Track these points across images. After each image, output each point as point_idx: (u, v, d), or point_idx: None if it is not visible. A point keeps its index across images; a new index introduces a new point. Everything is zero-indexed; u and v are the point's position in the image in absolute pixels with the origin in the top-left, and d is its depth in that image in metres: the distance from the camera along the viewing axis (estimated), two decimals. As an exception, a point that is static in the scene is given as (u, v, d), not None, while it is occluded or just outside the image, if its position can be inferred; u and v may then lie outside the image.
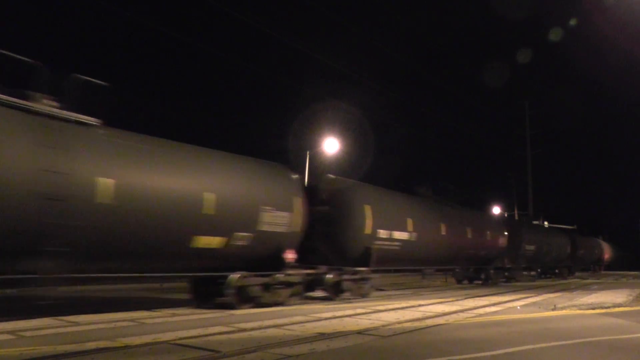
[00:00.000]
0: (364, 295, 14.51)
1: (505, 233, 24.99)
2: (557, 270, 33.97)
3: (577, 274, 37.13)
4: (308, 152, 26.20)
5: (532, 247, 28.18)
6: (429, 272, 26.51)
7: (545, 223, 37.82)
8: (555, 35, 41.24)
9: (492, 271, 23.78)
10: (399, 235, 16.05)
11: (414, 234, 16.73)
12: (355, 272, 14.38)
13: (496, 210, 42.96)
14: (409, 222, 16.66)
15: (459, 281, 24.62)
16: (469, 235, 21.13)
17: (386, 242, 15.45)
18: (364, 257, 14.53)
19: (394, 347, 6.87)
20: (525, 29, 77.83)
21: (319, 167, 24.85)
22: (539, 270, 31.22)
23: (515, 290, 18.92)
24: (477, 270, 23.81)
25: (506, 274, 25.13)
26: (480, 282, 23.72)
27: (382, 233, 15.21)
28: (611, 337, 7.92)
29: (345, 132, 28.80)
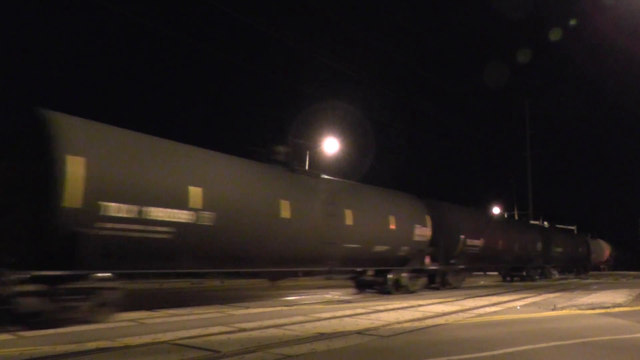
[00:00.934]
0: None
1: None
2: (524, 273, 27.91)
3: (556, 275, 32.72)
4: (308, 152, 26.22)
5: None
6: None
7: (545, 223, 37.80)
8: (555, 35, 41.29)
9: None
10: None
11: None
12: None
13: (496, 210, 43.04)
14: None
15: None
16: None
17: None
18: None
19: (394, 347, 6.87)
20: (525, 29, 77.92)
21: (319, 166, 24.84)
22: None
23: (515, 290, 18.94)
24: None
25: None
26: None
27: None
28: (611, 337, 7.92)
29: (345, 132, 28.83)
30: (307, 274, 17.26)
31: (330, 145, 26.29)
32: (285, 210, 12.11)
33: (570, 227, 46.65)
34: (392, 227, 15.81)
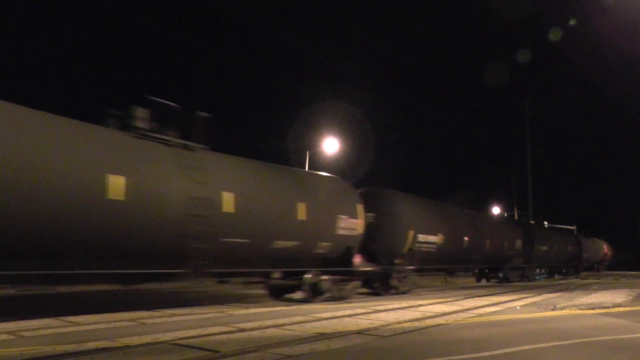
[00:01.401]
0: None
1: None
2: (500, 274, 25.78)
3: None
4: (308, 152, 26.23)
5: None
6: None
7: (545, 223, 37.80)
8: (555, 35, 41.29)
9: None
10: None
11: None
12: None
13: (496, 210, 43.03)
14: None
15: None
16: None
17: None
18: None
19: (394, 347, 6.86)
20: (525, 29, 77.89)
21: (319, 166, 24.86)
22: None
23: (515, 290, 18.93)
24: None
25: None
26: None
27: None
28: (611, 337, 7.92)
29: (345, 132, 28.81)
30: (162, 278, 11.98)
31: (330, 145, 26.29)
32: (115, 191, 8.98)
33: (570, 227, 46.65)
34: (302, 217, 12.63)
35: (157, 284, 15.30)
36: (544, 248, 30.23)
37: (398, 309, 11.43)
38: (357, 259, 14.56)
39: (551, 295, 17.09)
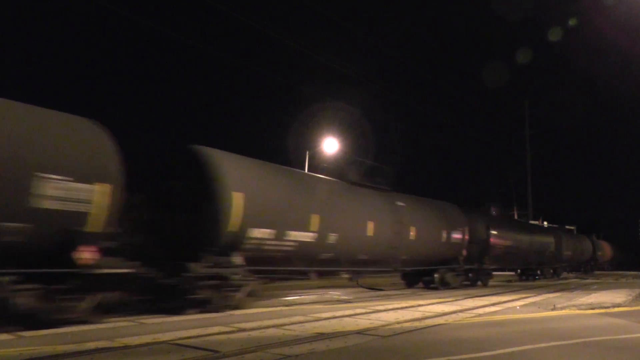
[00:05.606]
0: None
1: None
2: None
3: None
4: (307, 152, 26.25)
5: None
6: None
7: (545, 223, 37.86)
8: (555, 35, 41.32)
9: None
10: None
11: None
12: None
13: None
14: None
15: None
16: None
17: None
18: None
19: (394, 347, 6.87)
20: (525, 29, 77.94)
21: (319, 166, 24.86)
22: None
23: (514, 290, 18.93)
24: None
25: None
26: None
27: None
28: (611, 337, 7.93)
29: (344, 132, 28.83)
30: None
31: (330, 145, 26.31)
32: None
33: (569, 227, 46.68)
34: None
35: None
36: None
37: (398, 309, 11.43)
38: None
39: (551, 295, 17.09)
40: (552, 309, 12.12)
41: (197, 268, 10.11)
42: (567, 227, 45.38)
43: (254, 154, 12.64)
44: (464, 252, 19.79)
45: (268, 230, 11.40)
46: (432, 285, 18.42)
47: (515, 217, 41.31)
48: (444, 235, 18.54)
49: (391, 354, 6.49)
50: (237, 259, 10.80)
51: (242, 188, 10.83)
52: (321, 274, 14.75)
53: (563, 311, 11.80)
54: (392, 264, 16.28)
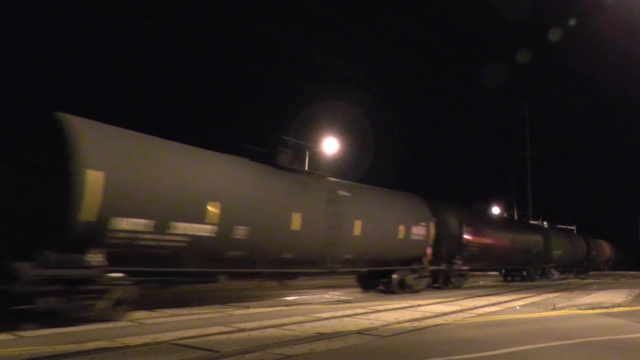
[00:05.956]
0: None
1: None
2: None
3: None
4: (307, 152, 26.19)
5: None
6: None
7: (545, 223, 37.82)
8: (555, 35, 41.34)
9: None
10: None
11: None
12: None
13: (496, 210, 43.04)
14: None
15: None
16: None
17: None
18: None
19: (394, 347, 6.87)
20: (525, 29, 77.93)
21: (318, 166, 24.82)
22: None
23: (514, 290, 18.92)
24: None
25: None
26: None
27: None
28: (611, 337, 7.93)
29: (344, 132, 28.79)
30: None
31: (330, 145, 26.26)
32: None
33: (570, 227, 46.65)
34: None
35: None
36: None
37: (398, 309, 11.43)
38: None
39: (551, 295, 17.09)
40: (552, 309, 12.12)
41: (28, 269, 7.71)
42: (567, 227, 45.29)
43: (254, 154, 12.46)
44: (429, 251, 17.30)
45: (144, 221, 9.04)
46: (390, 289, 15.98)
47: (515, 217, 41.28)
48: (402, 230, 15.84)
49: (391, 354, 6.49)
50: (95, 257, 8.52)
51: (103, 166, 8.53)
52: (235, 277, 12.27)
53: (563, 311, 11.80)
54: (329, 263, 13.59)
